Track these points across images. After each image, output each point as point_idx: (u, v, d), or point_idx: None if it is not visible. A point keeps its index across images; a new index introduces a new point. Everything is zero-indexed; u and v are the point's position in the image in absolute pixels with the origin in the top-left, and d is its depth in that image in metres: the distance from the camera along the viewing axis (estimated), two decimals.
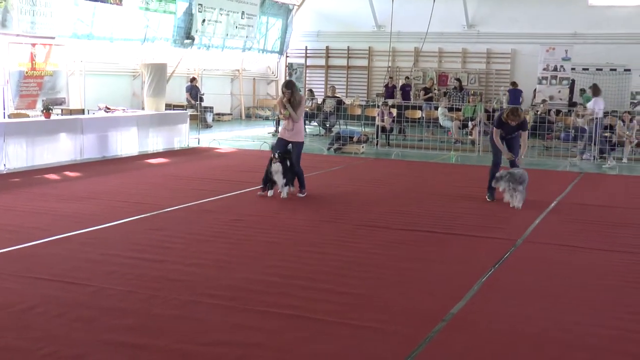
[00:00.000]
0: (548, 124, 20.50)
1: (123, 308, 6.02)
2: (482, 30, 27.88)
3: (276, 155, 11.08)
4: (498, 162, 11.56)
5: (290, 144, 11.44)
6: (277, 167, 11.07)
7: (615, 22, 25.93)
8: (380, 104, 20.86)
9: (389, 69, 28.45)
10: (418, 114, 23.52)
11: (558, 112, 23.17)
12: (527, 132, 11.71)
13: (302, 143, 11.60)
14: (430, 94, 25.72)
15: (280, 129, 11.68)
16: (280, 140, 11.54)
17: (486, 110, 21.05)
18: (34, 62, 16.35)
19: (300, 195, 11.43)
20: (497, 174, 11.17)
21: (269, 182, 11.32)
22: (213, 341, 5.34)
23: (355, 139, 18.73)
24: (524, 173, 11.05)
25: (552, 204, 11.47)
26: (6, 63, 15.67)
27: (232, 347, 5.24)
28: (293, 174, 11.36)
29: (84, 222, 9.14)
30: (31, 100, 16.33)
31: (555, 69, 25.81)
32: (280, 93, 11.44)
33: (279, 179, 11.15)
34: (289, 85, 11.40)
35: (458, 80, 26.98)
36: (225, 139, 20.46)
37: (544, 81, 25.90)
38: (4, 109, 15.63)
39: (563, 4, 26.47)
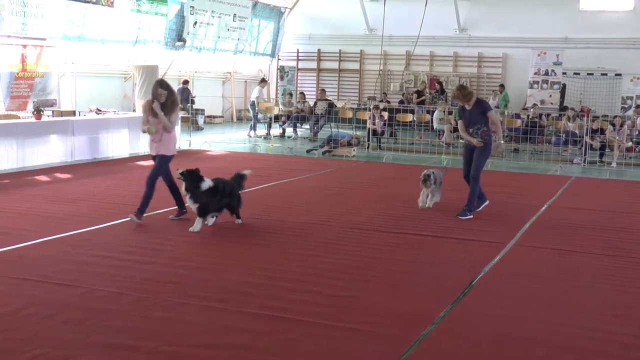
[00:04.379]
0: (539, 128, 20.57)
1: (113, 310, 6.02)
2: (474, 34, 27.97)
3: (179, 175, 9.03)
4: (466, 174, 10.75)
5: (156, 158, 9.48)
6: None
7: (606, 27, 26.06)
8: (371, 107, 20.88)
9: (381, 72, 28.49)
10: (409, 117, 23.56)
11: (548, 116, 23.27)
12: (492, 111, 10.55)
13: (170, 157, 9.51)
14: (423, 97, 25.78)
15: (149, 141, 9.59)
16: (152, 157, 9.61)
17: None
18: (24, 63, 16.32)
19: (175, 217, 9.59)
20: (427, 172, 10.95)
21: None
22: (202, 343, 5.34)
23: (345, 142, 18.74)
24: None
25: (543, 208, 11.51)
26: None
27: (221, 349, 5.24)
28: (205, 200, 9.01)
29: (74, 224, 9.12)
30: (22, 102, 16.29)
31: (546, 73, 25.93)
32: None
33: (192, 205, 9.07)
34: (165, 85, 9.34)
35: (439, 83, 27.10)
36: (216, 142, 20.44)
37: (535, 85, 26.01)
38: None
39: (554, 8, 26.59)
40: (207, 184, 8.99)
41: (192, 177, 8.96)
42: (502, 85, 25.89)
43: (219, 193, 9.12)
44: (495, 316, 6.20)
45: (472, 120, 10.49)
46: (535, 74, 26.00)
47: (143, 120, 9.55)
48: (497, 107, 25.19)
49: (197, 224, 8.98)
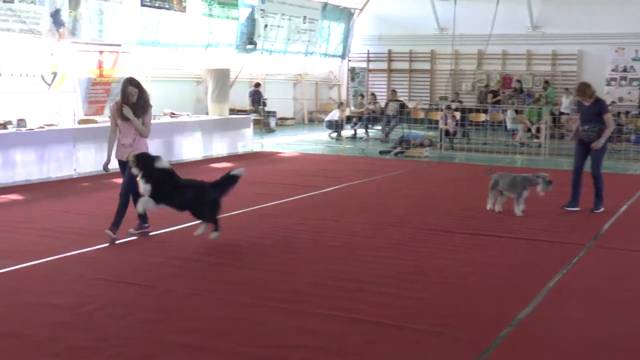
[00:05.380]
0: (617, 127, 19.98)
1: (187, 310, 6.08)
2: (548, 31, 27.35)
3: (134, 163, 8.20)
4: (578, 166, 10.87)
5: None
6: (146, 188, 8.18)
7: None
8: (443, 107, 20.67)
9: (452, 72, 28.17)
10: (482, 117, 23.24)
11: (627, 113, 22.63)
12: (609, 114, 10.71)
13: None
14: (498, 97, 25.29)
15: (116, 146, 8.71)
16: (120, 163, 8.72)
17: (552, 113, 20.66)
18: (101, 69, 16.72)
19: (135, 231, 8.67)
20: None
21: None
22: (276, 344, 5.35)
23: (417, 143, 18.61)
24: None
25: (622, 208, 11.18)
26: (76, 70, 16.05)
27: (295, 351, 5.23)
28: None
29: (150, 226, 9.26)
30: (99, 106, 16.69)
31: (624, 70, 25.21)
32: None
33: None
34: (135, 82, 8.56)
35: (519, 82, 26.49)
36: (288, 143, 20.56)
37: (612, 82, 25.32)
38: (74, 115, 16.01)
39: (633, 2, 25.75)
40: (162, 164, 8.19)
41: (146, 159, 8.18)
42: (546, 82, 25.32)
43: (173, 182, 8.20)
44: (574, 319, 6.04)
45: (587, 118, 10.70)
46: (612, 70, 25.31)
47: (110, 127, 8.71)
48: (573, 107, 24.60)
49: (140, 204, 8.17)
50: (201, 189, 8.45)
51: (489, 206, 10.74)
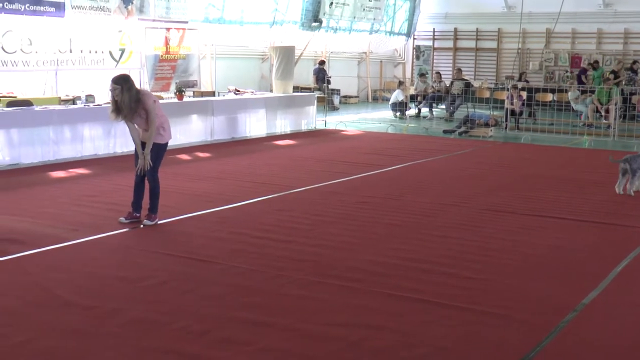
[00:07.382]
0: None
1: (249, 286, 6.14)
2: (620, 9, 26.55)
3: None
4: None
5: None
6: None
7: None
8: (509, 86, 20.31)
9: (519, 51, 27.65)
10: (549, 97, 22.74)
11: None
12: None
13: (162, 145, 8.25)
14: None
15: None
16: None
17: (622, 94, 20.06)
18: (168, 46, 16.94)
19: (148, 222, 8.15)
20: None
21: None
22: (336, 322, 5.36)
23: (482, 122, 18.35)
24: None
25: None
26: (143, 47, 16.29)
27: (355, 329, 5.24)
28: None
29: (213, 202, 9.39)
30: (165, 83, 16.93)
31: None
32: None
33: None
34: (117, 79, 7.78)
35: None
36: (351, 121, 20.52)
37: None
38: None
39: None
40: None
41: None
42: (596, 62, 24.57)
43: None
44: None
45: None
46: None
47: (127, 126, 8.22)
48: None
49: None
50: None
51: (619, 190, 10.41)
